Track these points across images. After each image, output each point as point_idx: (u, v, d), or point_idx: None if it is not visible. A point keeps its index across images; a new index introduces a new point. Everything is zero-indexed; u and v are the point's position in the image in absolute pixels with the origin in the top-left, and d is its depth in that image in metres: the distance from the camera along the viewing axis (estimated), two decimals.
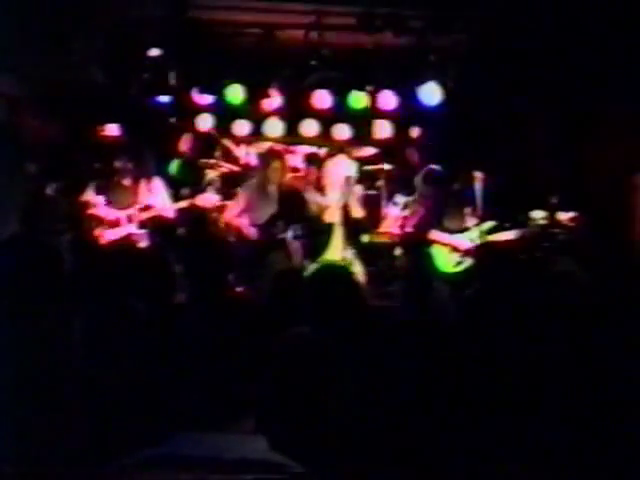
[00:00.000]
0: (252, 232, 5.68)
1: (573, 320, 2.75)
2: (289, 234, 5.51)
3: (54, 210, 5.68)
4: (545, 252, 5.31)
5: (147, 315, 2.24)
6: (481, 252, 5.46)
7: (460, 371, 2.20)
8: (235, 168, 7.16)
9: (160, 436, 1.44)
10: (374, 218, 6.46)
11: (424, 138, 7.44)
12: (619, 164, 6.01)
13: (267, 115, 7.39)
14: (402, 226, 6.10)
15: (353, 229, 5.48)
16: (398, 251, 6.18)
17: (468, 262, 5.51)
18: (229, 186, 6.71)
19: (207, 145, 7.27)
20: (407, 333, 2.38)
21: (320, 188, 5.86)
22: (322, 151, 7.15)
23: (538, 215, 5.53)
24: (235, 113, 7.40)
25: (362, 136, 7.45)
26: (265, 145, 7.16)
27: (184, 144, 7.26)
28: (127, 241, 5.65)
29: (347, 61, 7.04)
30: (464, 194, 5.78)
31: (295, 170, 6.79)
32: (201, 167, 7.01)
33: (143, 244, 5.66)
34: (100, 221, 5.70)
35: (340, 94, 7.27)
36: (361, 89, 7.21)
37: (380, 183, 6.98)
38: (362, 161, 7.17)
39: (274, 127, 7.41)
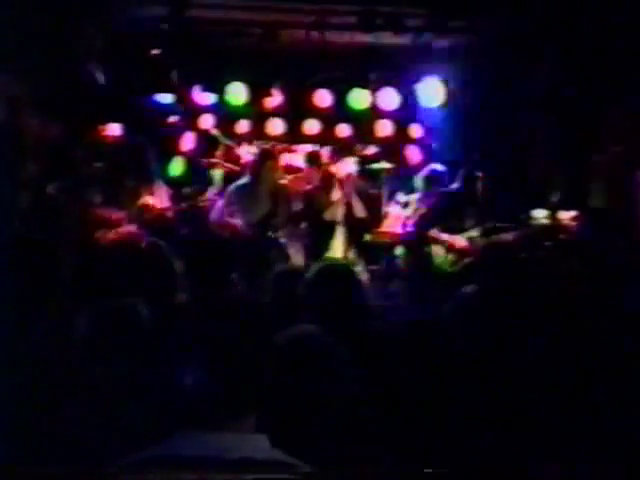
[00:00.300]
0: (246, 231, 5.66)
1: (574, 319, 2.75)
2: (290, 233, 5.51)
3: (54, 210, 5.67)
4: (547, 251, 5.29)
5: (148, 315, 2.24)
6: (481, 251, 5.45)
7: (461, 370, 2.20)
8: (236, 168, 7.16)
9: (160, 436, 1.44)
10: (375, 217, 6.46)
11: (425, 137, 7.44)
12: (621, 162, 6.00)
13: (268, 114, 7.39)
14: (403, 225, 6.09)
15: (355, 228, 5.47)
16: (399, 250, 6.17)
17: (468, 261, 5.50)
18: None
19: (208, 144, 7.27)
20: (408, 332, 2.38)
21: (324, 187, 5.85)
22: (323, 150, 7.14)
23: (540, 214, 5.53)
24: (236, 112, 7.40)
25: (363, 135, 7.45)
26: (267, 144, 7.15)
27: (185, 144, 7.25)
28: (128, 241, 5.65)
29: (348, 60, 7.04)
30: (464, 193, 5.77)
31: (296, 169, 6.79)
32: (203, 166, 7.02)
33: (144, 244, 5.65)
34: (101, 221, 5.69)
35: (341, 93, 7.27)
36: (362, 88, 7.21)
37: (381, 182, 6.97)
38: (363, 160, 7.17)
39: (275, 126, 7.41)
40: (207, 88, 7.34)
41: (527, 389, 2.26)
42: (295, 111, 7.37)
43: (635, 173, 5.88)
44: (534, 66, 6.52)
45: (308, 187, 6.04)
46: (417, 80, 7.22)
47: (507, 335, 2.49)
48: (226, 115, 7.41)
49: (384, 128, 7.46)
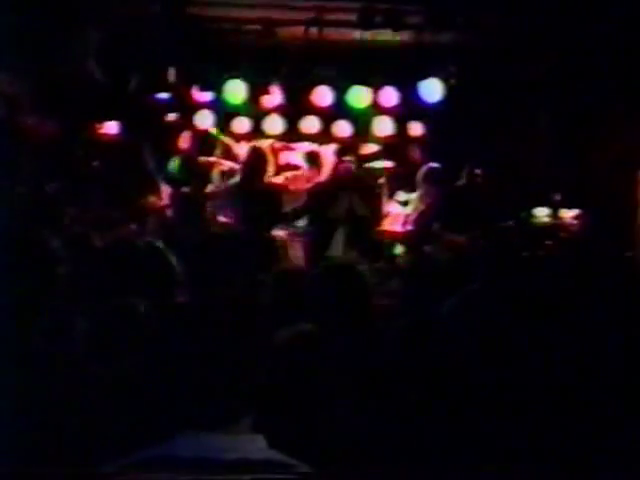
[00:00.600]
0: (240, 230, 5.63)
1: (574, 318, 2.73)
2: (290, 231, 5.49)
3: (53, 209, 5.66)
4: (548, 249, 5.29)
5: (148, 315, 2.22)
6: (482, 250, 5.43)
7: (461, 369, 2.18)
8: (235, 166, 7.14)
9: (160, 436, 1.43)
10: (376, 215, 6.44)
11: (425, 135, 7.42)
12: (622, 160, 6.00)
13: (267, 112, 7.37)
14: (404, 223, 6.08)
15: (356, 227, 5.46)
16: (400, 249, 6.16)
17: (467, 259, 5.48)
18: None
19: (207, 143, 7.25)
20: (408, 332, 2.37)
21: (324, 185, 5.83)
22: (322, 148, 7.13)
23: (541, 213, 5.52)
24: (235, 110, 7.38)
25: (363, 133, 7.43)
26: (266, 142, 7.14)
27: (184, 142, 7.23)
28: (128, 240, 5.62)
29: (347, 58, 7.02)
30: (465, 192, 5.77)
31: (295, 167, 6.77)
32: (201, 165, 7.00)
33: (144, 243, 5.63)
34: (101, 220, 5.67)
35: (341, 91, 7.25)
36: (362, 86, 7.19)
37: (381, 180, 6.95)
38: (364, 158, 7.15)
39: (274, 124, 7.38)
40: (205, 86, 7.32)
41: (527, 389, 2.25)
42: (294, 109, 7.35)
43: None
44: (534, 64, 6.51)
45: (308, 186, 6.02)
46: (417, 78, 7.20)
47: (508, 332, 2.48)
48: (225, 113, 7.39)
49: (384, 126, 7.44)
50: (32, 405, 1.80)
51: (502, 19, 6.36)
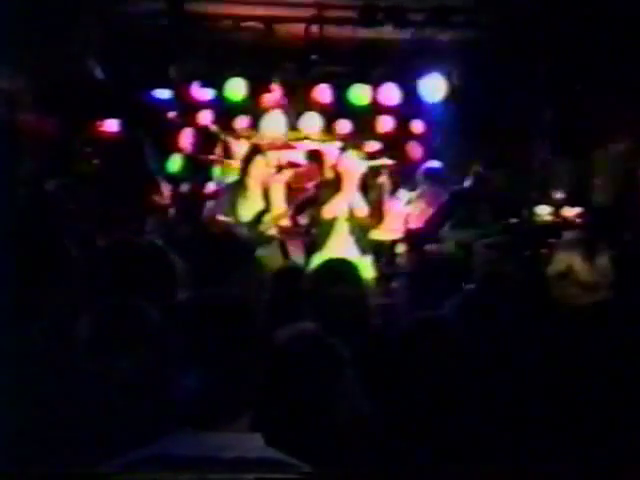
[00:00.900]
0: (238, 229, 5.61)
1: (575, 318, 2.73)
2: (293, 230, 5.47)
3: (54, 207, 5.65)
4: (550, 249, 5.27)
5: (149, 314, 2.22)
6: (482, 249, 5.43)
7: (463, 369, 2.18)
8: (236, 164, 7.13)
9: (156, 435, 1.43)
10: (376, 214, 6.42)
11: (426, 133, 7.41)
12: (624, 159, 5.99)
13: (268, 110, 7.35)
14: (405, 222, 6.07)
15: (357, 225, 5.44)
16: (401, 248, 6.14)
17: (468, 259, 5.47)
18: None
19: (207, 140, 7.24)
20: (409, 331, 2.36)
21: (325, 183, 5.80)
22: (323, 146, 7.11)
23: (544, 211, 5.51)
24: (235, 108, 7.37)
25: (364, 131, 7.42)
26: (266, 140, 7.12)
27: (184, 139, 7.22)
28: (130, 239, 5.61)
29: (348, 55, 7.01)
30: (466, 191, 5.75)
31: (296, 165, 6.76)
32: (201, 162, 6.99)
33: (146, 242, 5.62)
34: (102, 219, 5.67)
35: (341, 88, 7.24)
36: (363, 83, 7.18)
37: (382, 179, 6.94)
38: (365, 156, 7.13)
39: (275, 122, 7.37)
40: (206, 83, 7.31)
41: (528, 389, 2.25)
42: (295, 107, 7.34)
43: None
44: (536, 62, 6.49)
45: (309, 184, 6.01)
46: (418, 75, 7.19)
47: (508, 332, 2.47)
48: (225, 110, 7.38)
49: (385, 124, 7.43)
50: (32, 405, 1.79)
51: (503, 16, 6.35)
